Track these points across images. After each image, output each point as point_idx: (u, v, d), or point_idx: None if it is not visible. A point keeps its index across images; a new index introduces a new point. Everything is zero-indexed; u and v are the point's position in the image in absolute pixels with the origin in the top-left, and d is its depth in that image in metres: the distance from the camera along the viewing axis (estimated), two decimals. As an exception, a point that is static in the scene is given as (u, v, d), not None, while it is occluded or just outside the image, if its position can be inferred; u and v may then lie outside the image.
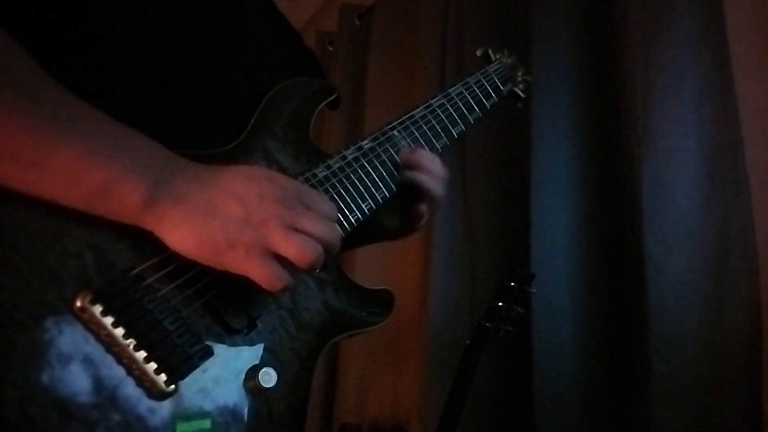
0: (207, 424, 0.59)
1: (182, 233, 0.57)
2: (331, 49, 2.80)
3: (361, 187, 0.77)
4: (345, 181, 0.76)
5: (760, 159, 1.32)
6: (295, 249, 0.58)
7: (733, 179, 1.33)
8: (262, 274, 0.58)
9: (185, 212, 0.56)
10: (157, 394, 0.55)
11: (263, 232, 0.58)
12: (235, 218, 0.57)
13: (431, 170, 0.83)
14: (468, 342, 1.33)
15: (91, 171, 0.54)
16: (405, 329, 2.00)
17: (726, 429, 1.25)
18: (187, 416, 0.57)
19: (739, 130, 1.33)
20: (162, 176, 0.57)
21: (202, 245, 0.57)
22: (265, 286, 0.58)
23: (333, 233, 0.62)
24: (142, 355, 0.55)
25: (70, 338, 0.52)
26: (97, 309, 0.53)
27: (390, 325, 0.78)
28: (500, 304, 1.32)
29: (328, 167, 0.75)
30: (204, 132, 0.72)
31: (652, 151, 1.41)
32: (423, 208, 0.87)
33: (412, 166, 0.82)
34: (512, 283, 1.33)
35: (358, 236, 0.84)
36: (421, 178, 0.82)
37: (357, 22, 2.64)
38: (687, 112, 1.39)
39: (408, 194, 0.84)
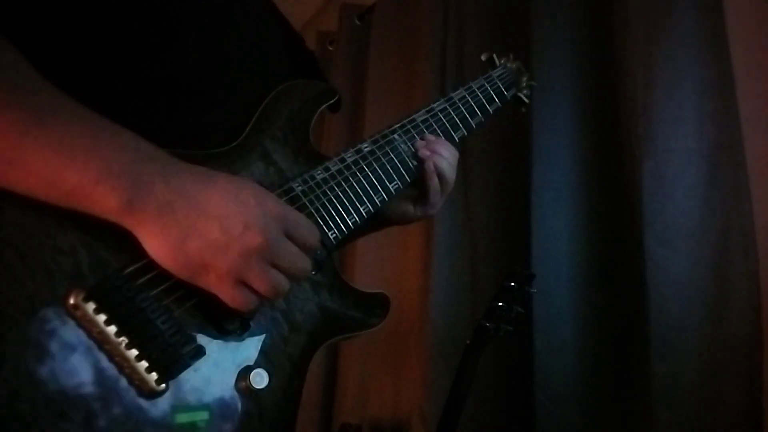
0: (203, 417, 0.59)
1: (159, 244, 0.56)
2: (331, 49, 2.80)
3: (359, 191, 0.77)
4: (344, 184, 0.75)
5: (760, 159, 1.32)
6: (267, 286, 0.60)
7: (733, 179, 1.33)
8: (232, 299, 0.59)
9: (165, 226, 0.56)
10: (147, 392, 0.55)
11: (240, 264, 0.58)
12: (214, 244, 0.57)
13: (443, 155, 0.87)
14: (468, 342, 1.33)
15: (65, 173, 0.53)
16: (406, 329, 2.00)
17: (726, 429, 1.25)
18: (180, 414, 0.57)
19: (739, 130, 1.33)
20: (141, 180, 0.56)
21: (176, 261, 0.57)
22: (232, 306, 0.60)
23: (305, 271, 0.64)
24: (133, 353, 0.55)
25: (61, 335, 0.52)
26: (90, 306, 0.53)
27: (391, 326, 0.78)
28: (500, 304, 1.32)
29: (327, 170, 0.75)
30: (203, 132, 0.71)
31: (652, 151, 1.41)
32: (436, 188, 0.89)
33: (427, 152, 0.87)
34: (512, 283, 1.33)
35: (373, 222, 0.86)
36: (436, 162, 0.87)
37: (357, 22, 2.64)
38: (687, 111, 1.39)
39: (422, 178, 0.88)
